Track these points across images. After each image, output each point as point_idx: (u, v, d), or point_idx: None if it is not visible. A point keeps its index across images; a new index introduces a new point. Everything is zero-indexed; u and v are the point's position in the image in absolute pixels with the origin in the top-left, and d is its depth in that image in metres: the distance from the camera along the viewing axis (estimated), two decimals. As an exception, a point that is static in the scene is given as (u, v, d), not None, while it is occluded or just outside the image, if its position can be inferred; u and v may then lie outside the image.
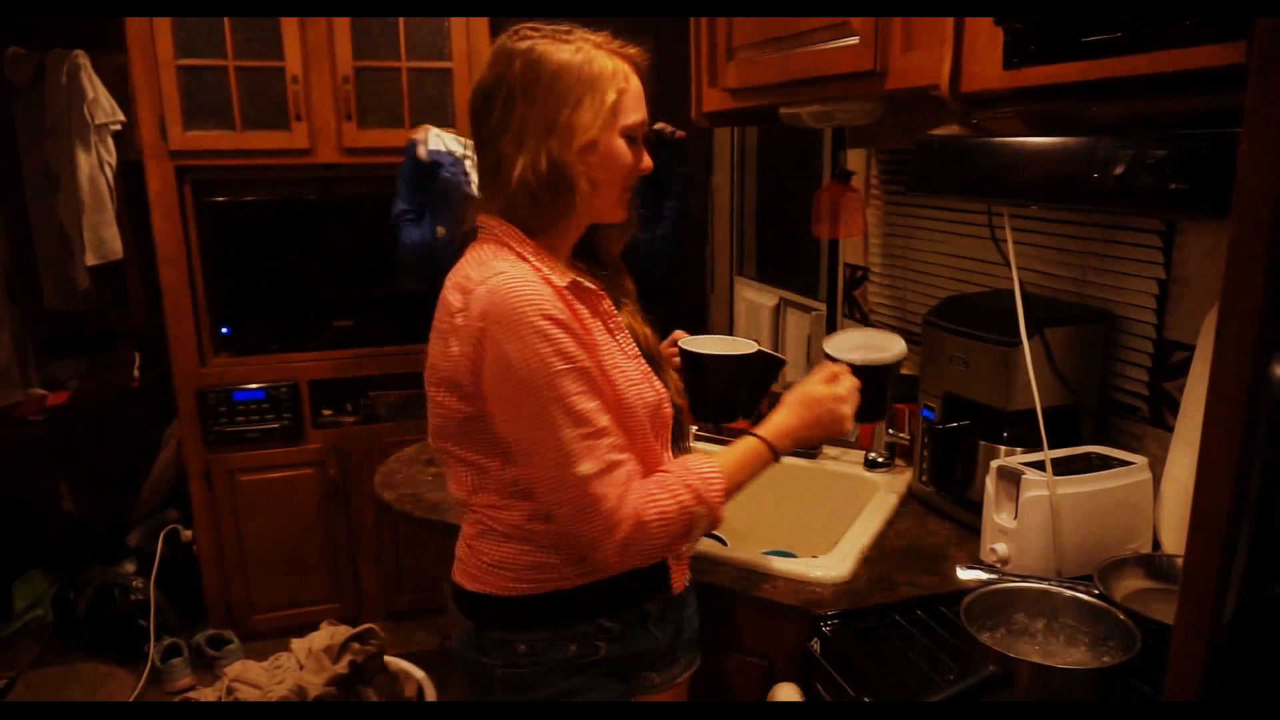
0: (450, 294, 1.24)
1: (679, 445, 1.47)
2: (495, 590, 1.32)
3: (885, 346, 1.61)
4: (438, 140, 2.58)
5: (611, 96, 1.23)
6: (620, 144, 1.27)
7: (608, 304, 1.33)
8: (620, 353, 1.30)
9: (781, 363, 1.62)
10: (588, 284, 1.29)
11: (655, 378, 1.35)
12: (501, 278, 1.18)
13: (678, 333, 1.61)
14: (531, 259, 1.24)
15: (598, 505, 1.18)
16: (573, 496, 1.18)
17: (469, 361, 1.20)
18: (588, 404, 1.18)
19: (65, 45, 3.31)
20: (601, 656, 1.34)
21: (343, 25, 2.93)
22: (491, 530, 1.30)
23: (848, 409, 1.40)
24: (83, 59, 3.29)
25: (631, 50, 1.29)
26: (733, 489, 1.29)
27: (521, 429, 1.20)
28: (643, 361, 1.34)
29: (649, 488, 1.22)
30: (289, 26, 2.89)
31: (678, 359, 1.58)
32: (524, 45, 1.25)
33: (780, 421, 1.37)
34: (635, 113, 1.28)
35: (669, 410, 1.36)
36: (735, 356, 1.54)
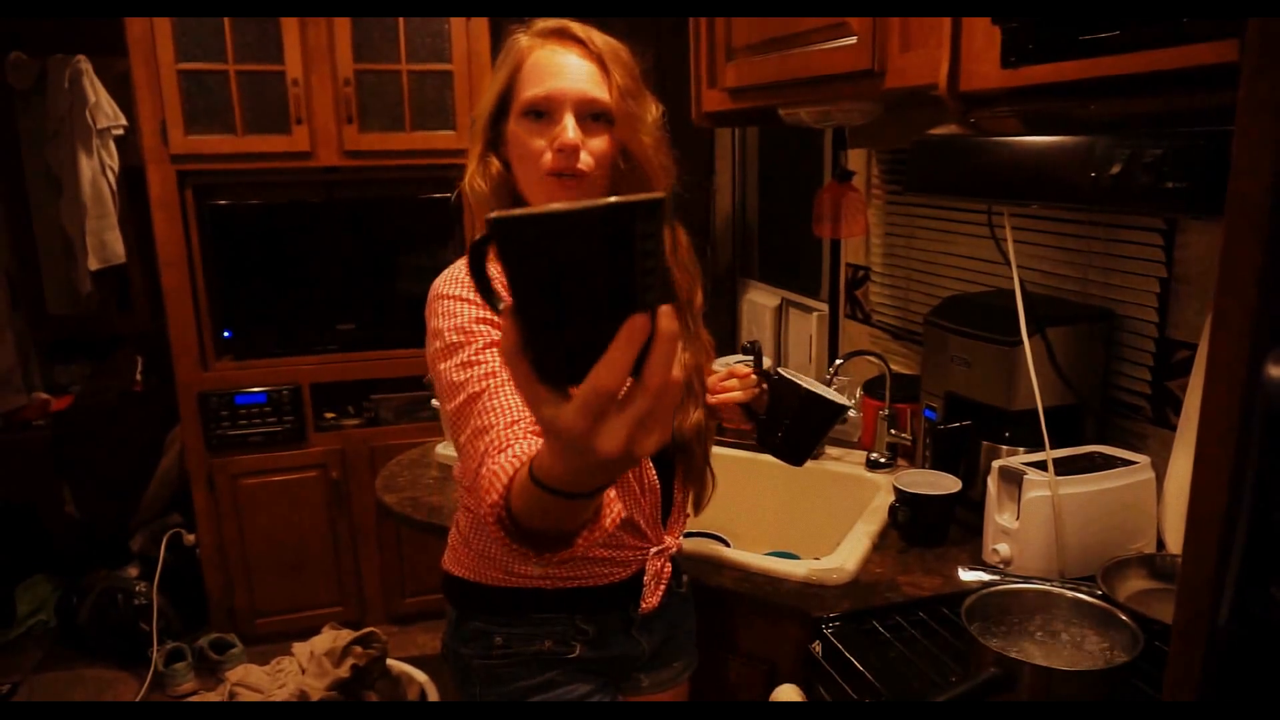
0: None
1: (691, 477, 1.43)
2: (483, 579, 1.33)
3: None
4: None
5: (503, 75, 1.23)
6: (525, 124, 1.21)
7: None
8: None
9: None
10: None
11: None
12: (446, 269, 1.24)
13: (739, 368, 1.48)
14: None
15: (467, 462, 1.06)
16: (465, 464, 1.10)
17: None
18: (457, 372, 1.11)
19: (67, 50, 3.32)
20: (576, 656, 1.34)
21: (343, 28, 2.94)
22: (483, 524, 1.30)
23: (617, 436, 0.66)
24: (84, 64, 3.30)
25: (550, 24, 1.24)
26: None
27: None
28: None
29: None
30: (289, 30, 2.89)
31: (726, 385, 1.45)
32: None
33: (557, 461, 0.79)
34: (529, 87, 1.20)
35: None
36: (841, 406, 1.46)
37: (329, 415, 3.24)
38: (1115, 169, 1.12)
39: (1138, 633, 1.14)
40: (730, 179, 3.53)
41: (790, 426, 1.45)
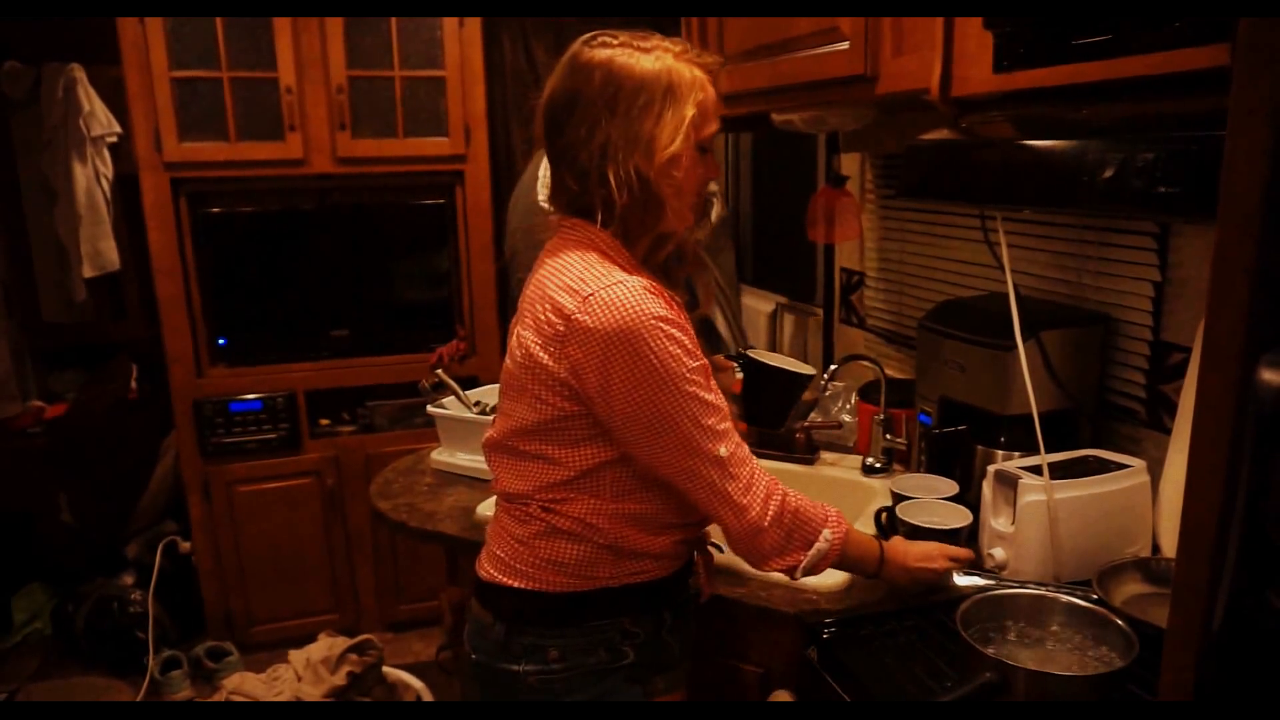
0: (559, 295, 1.22)
1: None
2: (546, 586, 1.31)
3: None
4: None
5: (691, 109, 1.24)
6: (696, 155, 1.28)
7: (684, 314, 1.34)
8: None
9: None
10: (670, 294, 1.30)
11: None
12: (623, 286, 1.20)
13: (718, 357, 1.60)
14: (631, 270, 1.27)
15: (738, 479, 1.25)
16: (716, 478, 1.24)
17: (593, 364, 1.20)
18: (713, 396, 1.25)
19: (61, 59, 3.31)
20: (630, 662, 1.35)
21: (336, 35, 2.94)
22: (555, 529, 1.30)
23: (941, 579, 1.47)
24: (78, 72, 3.30)
25: (709, 59, 1.29)
26: (841, 557, 1.35)
27: (658, 425, 1.22)
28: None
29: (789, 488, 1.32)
30: (282, 37, 2.89)
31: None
32: (603, 55, 1.24)
33: (903, 550, 1.44)
34: (712, 123, 1.29)
35: None
36: (802, 375, 1.73)
37: (323, 422, 3.24)
38: (1108, 173, 1.12)
39: (1133, 637, 1.14)
40: (724, 184, 3.53)
41: (764, 399, 1.73)
